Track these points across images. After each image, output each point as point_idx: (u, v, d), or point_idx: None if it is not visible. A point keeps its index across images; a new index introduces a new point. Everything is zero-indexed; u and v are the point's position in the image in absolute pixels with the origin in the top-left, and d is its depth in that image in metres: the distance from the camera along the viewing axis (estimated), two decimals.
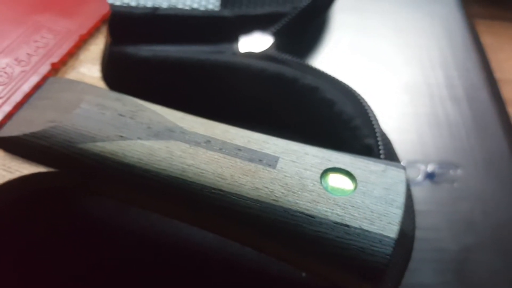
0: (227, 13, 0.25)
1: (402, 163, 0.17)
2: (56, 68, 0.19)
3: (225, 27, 0.25)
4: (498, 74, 0.32)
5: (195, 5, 0.25)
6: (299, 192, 0.15)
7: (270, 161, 0.16)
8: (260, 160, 0.16)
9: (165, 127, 0.17)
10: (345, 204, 0.15)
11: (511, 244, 0.24)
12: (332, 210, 0.15)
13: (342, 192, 0.15)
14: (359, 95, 0.22)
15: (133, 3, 0.25)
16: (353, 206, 0.15)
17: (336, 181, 0.15)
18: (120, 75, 0.20)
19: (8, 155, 0.17)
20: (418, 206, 0.21)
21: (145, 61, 0.23)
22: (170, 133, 0.17)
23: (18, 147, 0.17)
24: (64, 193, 0.21)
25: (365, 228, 0.14)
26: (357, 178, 0.15)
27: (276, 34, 0.25)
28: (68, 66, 0.20)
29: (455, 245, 0.23)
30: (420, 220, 0.20)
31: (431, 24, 0.33)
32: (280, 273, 0.20)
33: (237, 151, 0.16)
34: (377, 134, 0.21)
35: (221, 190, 0.15)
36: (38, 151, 0.16)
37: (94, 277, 0.20)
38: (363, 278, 0.15)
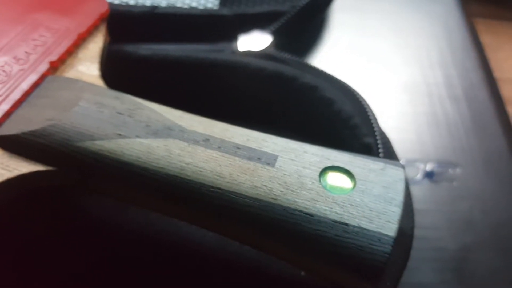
0: (226, 11, 0.25)
1: (401, 162, 0.17)
2: (54, 67, 0.19)
3: (224, 26, 0.25)
4: (497, 73, 0.32)
5: (194, 4, 0.25)
6: (298, 191, 0.15)
7: (269, 160, 0.16)
8: (259, 159, 0.16)
9: (163, 125, 0.17)
10: (344, 203, 0.15)
11: (510, 243, 0.24)
12: (331, 208, 0.15)
13: (341, 190, 0.15)
14: (358, 94, 0.22)
15: (131, 2, 0.25)
16: (352, 205, 0.15)
17: (335, 179, 0.15)
18: (119, 73, 0.20)
19: (7, 154, 0.17)
20: (417, 205, 0.21)
21: (144, 60, 0.23)
22: (169, 131, 0.16)
23: (17, 145, 0.17)
24: (63, 191, 0.21)
25: (364, 226, 0.14)
26: (356, 176, 0.15)
27: (275, 33, 0.25)
28: (67, 65, 0.20)
29: (454, 244, 0.23)
30: (419, 219, 0.20)
31: (430, 23, 0.33)
32: (279, 272, 0.20)
33: (236, 150, 0.16)
34: (376, 133, 0.21)
35: (219, 189, 0.15)
36: (37, 149, 0.16)
37: (93, 276, 0.20)
38: (362, 277, 0.15)
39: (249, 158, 0.16)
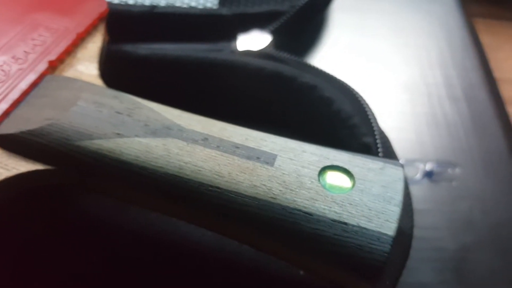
0: (225, 11, 0.25)
1: (400, 162, 0.17)
2: (53, 66, 0.19)
3: (223, 26, 0.25)
4: (497, 73, 0.32)
5: (193, 3, 0.25)
6: (297, 190, 0.15)
7: (268, 159, 0.16)
8: (258, 158, 0.16)
9: (162, 124, 0.17)
10: (343, 202, 0.15)
11: (510, 243, 0.24)
12: (330, 207, 0.15)
13: (340, 189, 0.15)
14: (357, 93, 0.22)
15: (130, 1, 0.25)
16: (351, 204, 0.15)
17: (334, 178, 0.15)
18: (118, 73, 0.20)
19: (5, 153, 0.17)
20: (416, 205, 0.21)
21: (143, 59, 0.23)
22: (168, 130, 0.16)
23: (16, 144, 0.17)
24: (62, 190, 0.21)
25: (363, 225, 0.14)
26: (355, 176, 0.15)
27: (274, 33, 0.25)
28: (66, 64, 0.20)
29: (454, 244, 0.23)
30: (418, 219, 0.20)
31: (429, 23, 0.33)
32: (278, 271, 0.20)
33: (235, 149, 0.16)
34: (376, 133, 0.21)
35: (218, 188, 0.15)
36: (36, 148, 0.16)
37: (92, 275, 0.20)
38: (361, 276, 0.15)
39: (248, 157, 0.16)
